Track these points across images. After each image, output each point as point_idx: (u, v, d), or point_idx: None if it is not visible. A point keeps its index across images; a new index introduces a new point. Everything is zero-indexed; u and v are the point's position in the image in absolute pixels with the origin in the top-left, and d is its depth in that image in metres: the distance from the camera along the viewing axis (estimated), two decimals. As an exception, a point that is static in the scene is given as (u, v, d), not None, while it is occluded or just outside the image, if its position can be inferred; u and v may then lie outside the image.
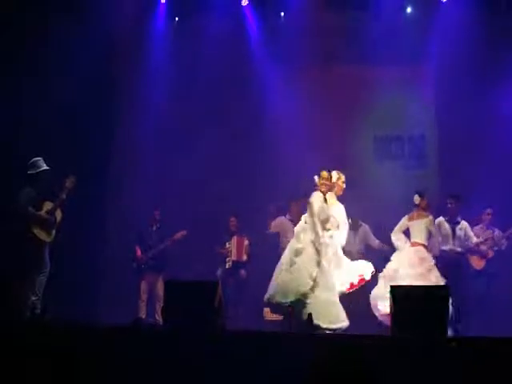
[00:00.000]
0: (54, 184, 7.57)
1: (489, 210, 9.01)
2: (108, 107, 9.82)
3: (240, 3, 10.19)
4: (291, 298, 6.96)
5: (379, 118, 9.99)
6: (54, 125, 8.92)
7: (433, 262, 7.73)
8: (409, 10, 10.10)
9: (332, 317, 6.88)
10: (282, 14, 10.31)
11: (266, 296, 7.13)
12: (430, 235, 7.92)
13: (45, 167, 7.52)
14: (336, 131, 9.82)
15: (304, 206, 7.45)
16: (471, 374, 5.11)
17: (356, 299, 7.48)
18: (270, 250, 8.68)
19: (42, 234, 7.45)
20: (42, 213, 7.47)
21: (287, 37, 9.88)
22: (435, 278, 7.50)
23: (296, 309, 6.94)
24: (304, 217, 7.38)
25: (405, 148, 10.20)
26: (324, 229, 7.21)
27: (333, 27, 9.88)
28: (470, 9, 9.46)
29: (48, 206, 7.52)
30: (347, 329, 6.91)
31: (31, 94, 8.96)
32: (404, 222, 7.99)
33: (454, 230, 8.67)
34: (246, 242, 9.31)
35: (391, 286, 6.09)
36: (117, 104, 9.94)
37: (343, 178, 7.62)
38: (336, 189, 7.54)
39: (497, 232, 8.95)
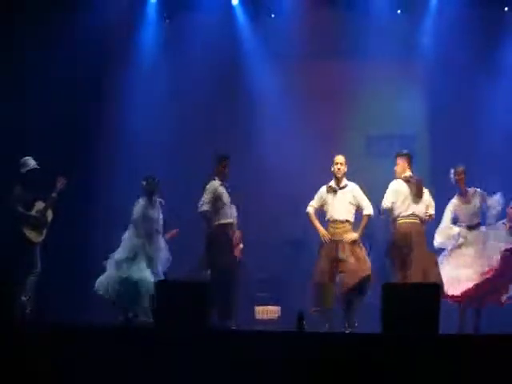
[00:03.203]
0: (45, 183, 7.56)
1: None
2: (97, 107, 9.79)
3: (230, 2, 10.19)
4: None
5: (371, 116, 10.00)
6: (44, 124, 8.94)
7: None
8: (399, 9, 10.09)
9: None
10: (273, 15, 10.30)
11: None
12: None
13: (34, 166, 7.50)
14: (327, 130, 9.83)
15: None
16: (462, 370, 5.12)
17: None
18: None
19: (32, 234, 7.45)
20: (33, 213, 7.46)
21: (277, 35, 9.88)
22: None
23: None
24: None
25: (396, 147, 10.17)
26: None
27: (324, 26, 9.87)
28: (462, 7, 9.47)
29: (39, 205, 7.53)
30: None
31: (21, 95, 8.98)
32: None
33: None
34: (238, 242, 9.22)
35: (383, 283, 6.10)
36: (106, 104, 9.92)
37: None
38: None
39: None
